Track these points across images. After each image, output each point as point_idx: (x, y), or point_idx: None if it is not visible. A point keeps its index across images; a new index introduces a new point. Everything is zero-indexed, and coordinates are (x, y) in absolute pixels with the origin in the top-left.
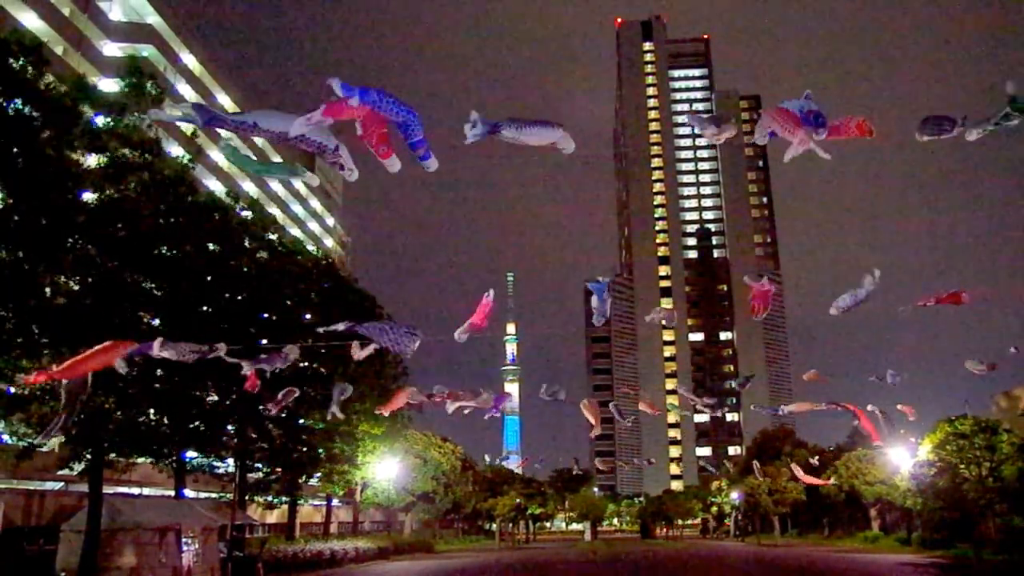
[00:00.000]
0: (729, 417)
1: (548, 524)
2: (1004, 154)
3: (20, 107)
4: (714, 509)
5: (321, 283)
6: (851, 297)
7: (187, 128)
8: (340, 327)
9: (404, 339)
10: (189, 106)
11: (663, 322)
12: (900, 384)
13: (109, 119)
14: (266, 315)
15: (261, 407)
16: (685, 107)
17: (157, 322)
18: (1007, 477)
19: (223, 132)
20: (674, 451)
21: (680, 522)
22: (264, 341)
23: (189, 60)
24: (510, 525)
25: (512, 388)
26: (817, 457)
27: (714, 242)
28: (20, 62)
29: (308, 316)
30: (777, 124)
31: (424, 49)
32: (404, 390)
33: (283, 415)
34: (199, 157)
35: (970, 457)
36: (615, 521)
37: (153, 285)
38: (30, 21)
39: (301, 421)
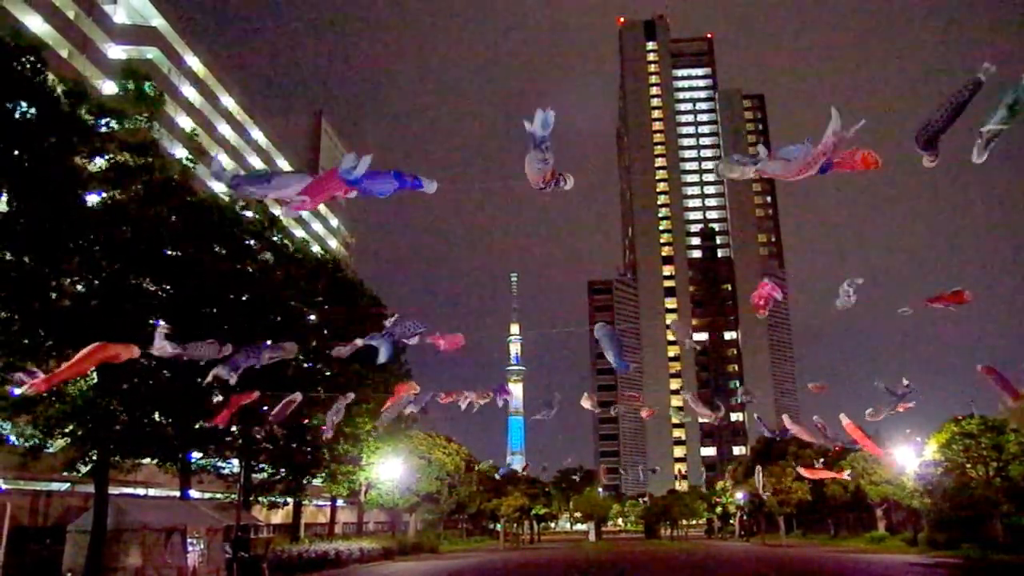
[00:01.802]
0: (733, 417)
1: (552, 524)
2: (1009, 151)
3: (25, 111)
4: (719, 509)
5: (326, 284)
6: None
7: (188, 128)
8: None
9: (410, 330)
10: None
11: (679, 335)
12: (905, 387)
13: (110, 123)
14: (271, 316)
15: (264, 410)
16: (688, 107)
17: (162, 323)
18: (1014, 477)
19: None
20: (679, 451)
21: (685, 522)
22: (269, 342)
23: (193, 62)
24: (514, 525)
25: (516, 388)
26: (822, 460)
27: (718, 242)
28: (24, 65)
29: (313, 317)
30: (775, 168)
31: (426, 48)
32: (405, 384)
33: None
34: (202, 158)
35: (976, 457)
36: (619, 521)
37: (157, 287)
38: (35, 24)
39: (306, 422)
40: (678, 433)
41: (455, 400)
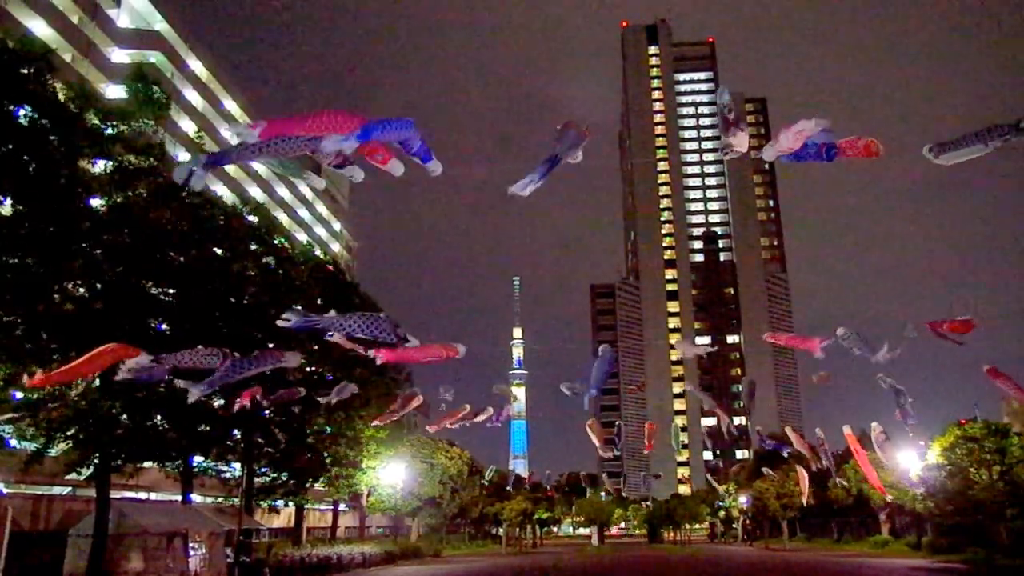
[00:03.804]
0: (736, 421)
1: (555, 528)
2: (1012, 153)
3: (30, 114)
4: (722, 513)
5: (327, 288)
6: (863, 346)
7: (192, 132)
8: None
9: (382, 330)
10: (190, 165)
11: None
12: (907, 387)
13: (114, 125)
14: (272, 319)
15: (265, 403)
16: (691, 110)
17: (165, 326)
18: (1018, 480)
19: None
20: (681, 455)
21: (688, 526)
22: (271, 345)
23: (196, 66)
24: (517, 530)
25: (519, 392)
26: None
27: (720, 245)
28: (28, 69)
29: None
30: (788, 142)
31: (428, 51)
32: (407, 396)
33: (285, 418)
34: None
35: (980, 460)
36: (622, 525)
37: (159, 290)
38: (39, 29)
39: (308, 426)
40: (681, 437)
41: (454, 422)
